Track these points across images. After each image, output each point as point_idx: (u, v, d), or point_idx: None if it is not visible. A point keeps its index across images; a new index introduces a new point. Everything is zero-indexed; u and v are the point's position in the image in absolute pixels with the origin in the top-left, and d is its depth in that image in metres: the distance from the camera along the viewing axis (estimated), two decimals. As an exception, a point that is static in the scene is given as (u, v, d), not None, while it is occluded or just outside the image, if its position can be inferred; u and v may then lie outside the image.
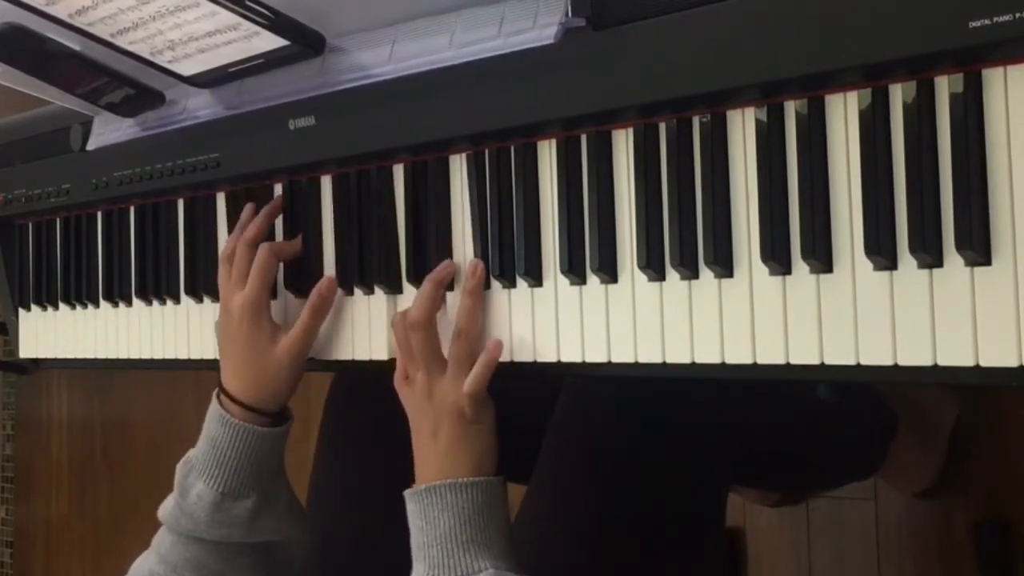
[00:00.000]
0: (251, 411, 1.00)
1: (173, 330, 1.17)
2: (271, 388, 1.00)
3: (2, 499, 3.24)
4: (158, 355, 1.19)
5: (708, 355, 0.78)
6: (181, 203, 1.16)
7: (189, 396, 2.57)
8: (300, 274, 1.04)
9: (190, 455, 1.03)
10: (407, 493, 0.91)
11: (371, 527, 1.14)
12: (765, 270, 0.76)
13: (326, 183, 1.02)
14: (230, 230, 1.10)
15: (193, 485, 1.00)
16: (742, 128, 0.77)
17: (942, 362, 0.68)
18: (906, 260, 0.70)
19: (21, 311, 1.37)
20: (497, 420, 0.91)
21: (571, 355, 0.86)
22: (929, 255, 0.68)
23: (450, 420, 0.89)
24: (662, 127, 0.81)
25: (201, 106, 1.08)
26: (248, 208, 1.06)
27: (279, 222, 1.06)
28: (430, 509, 0.88)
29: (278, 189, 1.07)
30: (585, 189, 0.85)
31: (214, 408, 1.01)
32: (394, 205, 0.97)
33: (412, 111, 0.92)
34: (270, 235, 1.06)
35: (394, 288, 0.97)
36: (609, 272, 0.83)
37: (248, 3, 0.91)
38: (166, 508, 1.02)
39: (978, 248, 0.66)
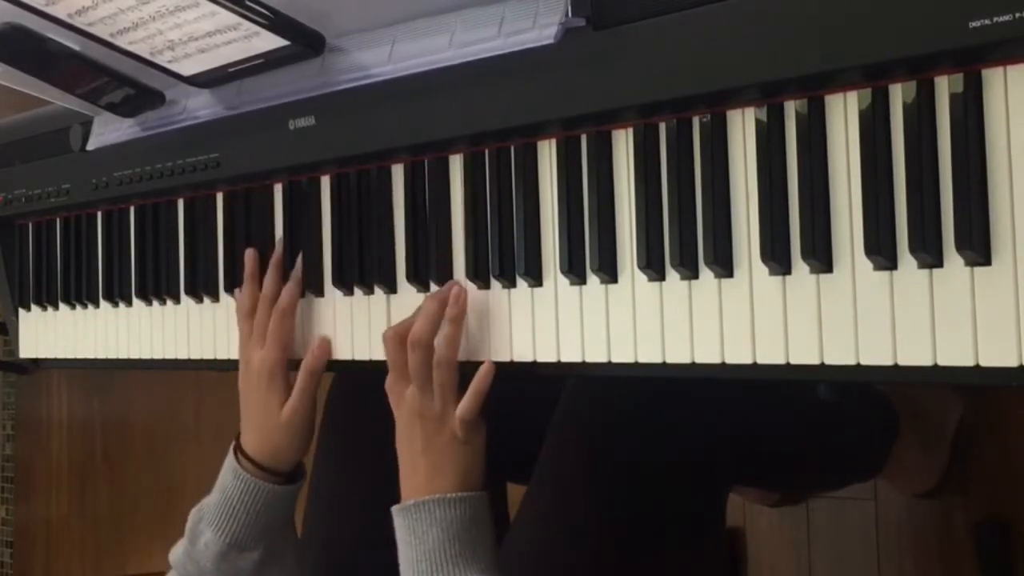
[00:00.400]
0: (263, 469, 1.02)
1: (173, 330, 1.18)
2: (281, 450, 1.03)
3: (2, 499, 3.24)
4: (158, 355, 1.19)
5: (708, 355, 0.78)
6: (181, 203, 1.16)
7: (189, 396, 2.57)
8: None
9: (203, 503, 1.05)
10: (395, 509, 0.92)
11: (371, 527, 1.13)
12: (765, 270, 0.76)
13: (326, 183, 1.02)
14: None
15: (202, 533, 1.02)
16: (742, 128, 0.77)
17: (942, 362, 0.68)
18: (906, 260, 0.70)
19: (21, 311, 1.36)
20: (488, 438, 0.92)
21: (571, 355, 0.86)
22: (929, 255, 0.68)
23: (440, 439, 0.91)
24: (662, 127, 0.81)
25: (201, 106, 1.08)
26: (251, 256, 1.06)
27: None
28: (419, 524, 0.89)
29: (278, 189, 1.07)
30: (585, 189, 0.85)
31: (229, 460, 1.03)
32: (393, 205, 0.97)
33: (412, 111, 0.92)
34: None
35: (394, 288, 0.97)
36: (609, 272, 0.83)
37: (248, 3, 0.90)
38: (176, 552, 1.04)
39: (978, 248, 0.66)
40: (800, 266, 0.74)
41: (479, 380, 0.89)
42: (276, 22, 0.92)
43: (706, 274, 0.79)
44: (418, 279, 0.95)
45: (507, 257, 0.89)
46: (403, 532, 0.91)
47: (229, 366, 1.10)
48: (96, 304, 1.27)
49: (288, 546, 1.05)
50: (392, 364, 0.93)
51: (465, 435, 0.90)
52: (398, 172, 0.97)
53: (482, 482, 0.92)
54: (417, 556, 0.89)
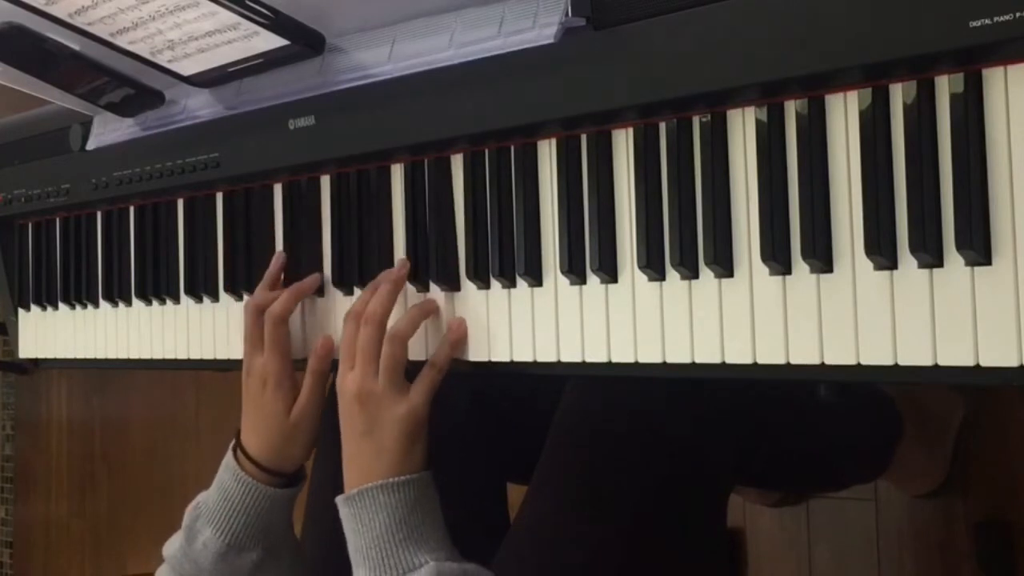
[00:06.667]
0: (266, 472, 1.01)
1: (173, 330, 1.17)
2: (286, 451, 1.02)
3: (2, 499, 3.24)
4: (158, 355, 1.19)
5: (708, 355, 0.78)
6: (181, 203, 1.16)
7: (189, 396, 2.57)
8: (301, 275, 1.04)
9: (200, 500, 1.04)
10: (339, 499, 0.92)
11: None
12: (765, 270, 0.76)
13: (326, 183, 1.02)
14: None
15: (201, 531, 1.01)
16: (742, 128, 0.77)
17: (942, 362, 0.68)
18: (906, 260, 0.70)
19: (21, 311, 1.37)
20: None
21: (571, 355, 0.86)
22: (929, 255, 0.68)
23: (382, 419, 0.91)
24: (662, 127, 0.81)
25: (201, 106, 1.08)
26: (278, 259, 1.06)
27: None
28: (364, 512, 0.90)
29: (278, 189, 1.07)
30: (585, 189, 0.85)
31: (229, 460, 1.02)
32: (393, 205, 0.97)
33: (412, 111, 0.92)
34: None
35: (394, 288, 0.97)
36: (609, 272, 0.83)
37: (248, 3, 0.91)
38: (171, 547, 1.03)
39: (978, 248, 0.66)
40: (800, 266, 0.74)
41: (438, 368, 0.90)
42: (276, 22, 0.92)
43: (706, 274, 0.79)
44: (418, 279, 0.95)
45: (507, 257, 0.89)
46: (350, 521, 0.91)
47: (229, 366, 1.10)
48: (96, 304, 1.27)
49: (286, 548, 1.05)
50: (346, 343, 0.93)
51: (415, 415, 0.90)
52: (398, 172, 0.97)
53: (426, 460, 0.92)
54: (366, 544, 0.89)
